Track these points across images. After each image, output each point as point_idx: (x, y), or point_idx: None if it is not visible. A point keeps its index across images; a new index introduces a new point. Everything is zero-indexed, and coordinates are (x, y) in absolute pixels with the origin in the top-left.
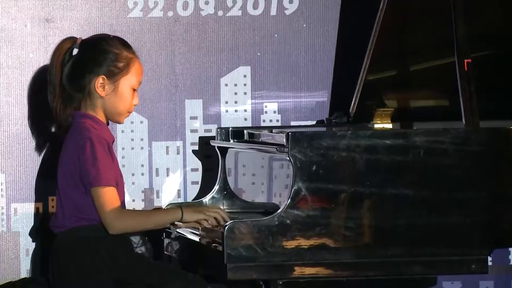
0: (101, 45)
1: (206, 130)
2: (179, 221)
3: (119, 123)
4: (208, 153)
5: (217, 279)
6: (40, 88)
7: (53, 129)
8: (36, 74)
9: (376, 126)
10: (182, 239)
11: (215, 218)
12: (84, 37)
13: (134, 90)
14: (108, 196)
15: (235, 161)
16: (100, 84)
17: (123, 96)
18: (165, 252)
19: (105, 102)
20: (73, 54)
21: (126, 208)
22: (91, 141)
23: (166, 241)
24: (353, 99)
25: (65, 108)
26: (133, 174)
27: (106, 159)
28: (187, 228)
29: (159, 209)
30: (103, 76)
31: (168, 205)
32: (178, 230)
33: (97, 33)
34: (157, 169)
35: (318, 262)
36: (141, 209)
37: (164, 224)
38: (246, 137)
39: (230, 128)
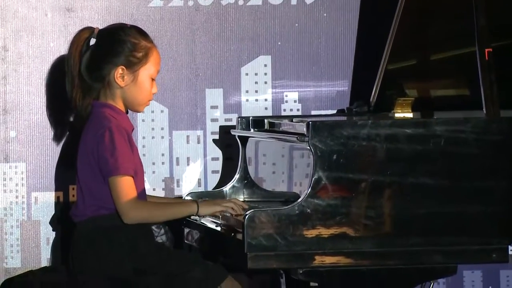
0: (119, 35)
1: (226, 120)
2: (194, 215)
3: (139, 112)
4: (228, 142)
5: (237, 268)
6: (60, 77)
7: (71, 119)
8: (56, 63)
9: (396, 115)
10: (202, 228)
11: (232, 209)
12: (104, 27)
13: (153, 79)
14: (124, 185)
15: (255, 150)
16: (119, 74)
17: (142, 85)
18: (185, 241)
19: (125, 92)
20: (91, 45)
21: (147, 196)
22: (110, 130)
23: (186, 230)
24: (374, 88)
25: (84, 98)
26: (153, 163)
27: (125, 148)
28: (207, 217)
29: (175, 202)
30: (122, 67)
31: (188, 194)
32: (197, 218)
33: (118, 22)
34: (177, 158)
35: (338, 251)
36: (162, 197)
37: (179, 217)
38: (266, 126)
39: (251, 117)
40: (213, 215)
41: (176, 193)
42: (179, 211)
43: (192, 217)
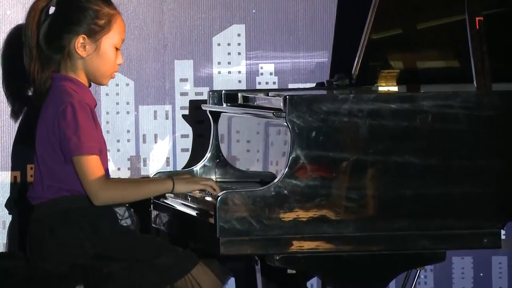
0: (79, 2)
1: (197, 93)
2: (170, 193)
3: (103, 84)
4: (199, 118)
5: (209, 254)
6: (18, 48)
7: (30, 93)
8: (13, 33)
9: (380, 89)
10: (171, 210)
11: (212, 188)
12: None
13: (117, 49)
14: (91, 165)
15: (228, 126)
16: (80, 44)
17: (105, 56)
18: (153, 225)
19: (87, 63)
20: (50, 13)
21: (110, 177)
22: (72, 106)
23: (154, 212)
24: (356, 60)
25: (43, 71)
26: (118, 141)
27: (89, 125)
28: (176, 199)
29: (147, 178)
30: (84, 35)
31: (156, 174)
32: (166, 200)
33: None
34: (144, 135)
35: (317, 235)
36: (127, 178)
37: (153, 195)
38: (240, 100)
39: (223, 91)
40: (188, 193)
41: (143, 172)
42: (154, 188)
43: (166, 195)
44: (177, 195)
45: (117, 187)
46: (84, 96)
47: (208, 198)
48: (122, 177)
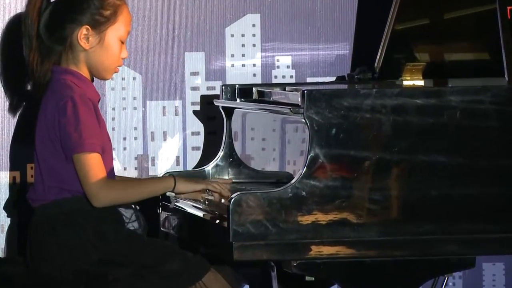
0: None
1: (208, 88)
2: (171, 191)
3: (106, 79)
4: (211, 115)
5: (222, 259)
6: (17, 38)
7: (29, 87)
8: (12, 22)
9: (405, 83)
10: (181, 213)
11: (216, 188)
12: None
13: (122, 42)
14: (92, 164)
15: (242, 123)
16: (83, 35)
17: (110, 49)
18: (162, 229)
19: (90, 55)
20: (51, 1)
21: (116, 176)
22: (73, 100)
23: (163, 215)
24: (379, 52)
25: (43, 63)
26: (124, 139)
27: (91, 121)
28: (187, 201)
29: (147, 178)
30: (87, 26)
31: (164, 174)
32: (177, 203)
33: None
34: (152, 133)
35: (338, 240)
36: (126, 177)
37: (155, 194)
38: (255, 95)
39: (237, 86)
40: (194, 198)
41: (151, 172)
42: (154, 187)
43: (167, 193)
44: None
45: (118, 188)
46: (86, 90)
47: (209, 197)
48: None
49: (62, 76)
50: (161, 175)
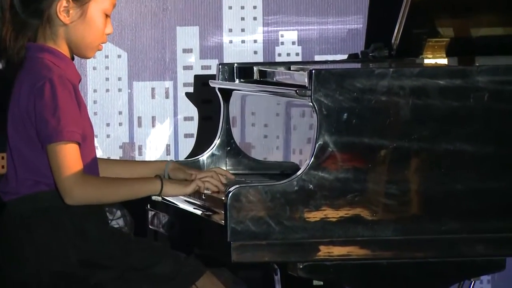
0: None
1: (203, 67)
2: (158, 195)
3: (87, 57)
4: (206, 97)
5: (218, 261)
6: None
7: (1, 66)
8: None
9: (426, 61)
10: (172, 209)
11: (211, 183)
12: None
13: (107, 15)
14: (67, 155)
15: (241, 107)
16: (63, 8)
17: (93, 23)
18: (150, 226)
19: (70, 31)
20: None
21: (100, 160)
22: (52, 82)
23: (151, 212)
24: (397, 26)
25: (17, 39)
26: (107, 125)
27: (71, 106)
28: (179, 196)
29: (133, 178)
30: None
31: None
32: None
33: None
34: (139, 118)
35: (350, 239)
36: (120, 160)
37: (136, 197)
38: (256, 76)
39: (235, 65)
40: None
41: None
42: (137, 189)
43: (153, 197)
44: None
45: (94, 185)
46: (66, 70)
47: (207, 192)
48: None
49: (38, 54)
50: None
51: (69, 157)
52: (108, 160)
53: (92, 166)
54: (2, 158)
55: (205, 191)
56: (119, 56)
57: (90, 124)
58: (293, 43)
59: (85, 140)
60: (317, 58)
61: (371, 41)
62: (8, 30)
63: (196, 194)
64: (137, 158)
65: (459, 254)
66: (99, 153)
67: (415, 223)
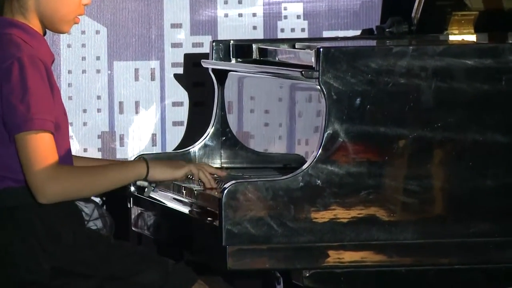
0: None
1: (195, 45)
2: (144, 179)
3: (62, 32)
4: (198, 80)
5: (212, 268)
6: None
7: None
8: None
9: (451, 38)
10: (158, 208)
11: (201, 177)
12: None
13: None
14: (40, 146)
15: (238, 91)
16: None
17: None
18: (133, 228)
19: (41, 2)
20: None
21: (74, 158)
22: (21, 62)
23: (135, 211)
24: None
25: None
26: (84, 111)
27: (42, 90)
28: (167, 192)
29: (111, 163)
30: None
31: (136, 157)
32: (154, 192)
33: None
34: (120, 103)
35: (363, 243)
36: (96, 158)
37: (120, 184)
38: (255, 54)
39: (232, 42)
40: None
41: (119, 155)
42: (119, 175)
43: (138, 182)
44: (164, 186)
45: (70, 178)
46: (38, 48)
47: (196, 186)
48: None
49: (5, 30)
50: (133, 159)
51: (42, 148)
52: (78, 158)
53: (66, 159)
54: None
55: (196, 187)
56: (97, 32)
57: (64, 111)
58: (298, 17)
59: (59, 130)
60: (326, 34)
61: (388, 15)
62: None
63: (187, 191)
64: (118, 149)
65: (489, 261)
66: (75, 145)
67: (439, 224)
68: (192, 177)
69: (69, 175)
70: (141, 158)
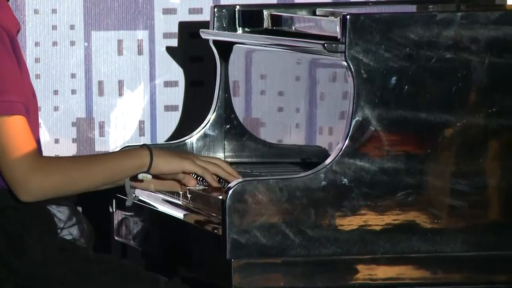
0: None
1: (192, 11)
2: (145, 172)
3: None
4: (196, 54)
5: (213, 286)
6: None
7: None
8: None
9: (510, 1)
10: (147, 212)
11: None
12: None
13: None
14: (14, 132)
15: (246, 68)
16: None
17: None
18: (116, 238)
19: None
20: None
21: (43, 153)
22: None
23: (118, 215)
24: None
25: None
26: (55, 92)
27: (9, 65)
28: (158, 193)
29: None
30: None
31: (122, 149)
32: (136, 198)
33: None
34: (100, 83)
35: (401, 256)
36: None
37: (119, 178)
38: (266, 23)
39: (237, 7)
40: (170, 188)
41: (99, 147)
42: (118, 166)
43: (140, 175)
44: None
45: (58, 168)
46: (1, 16)
47: (196, 187)
48: (64, 155)
49: None
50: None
51: (16, 134)
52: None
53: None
54: None
55: (195, 186)
56: None
57: (33, 92)
58: None
59: (28, 113)
60: None
61: None
62: None
63: (183, 191)
64: (98, 140)
65: None
66: (44, 135)
67: (495, 233)
68: (201, 178)
69: (57, 165)
70: (144, 146)
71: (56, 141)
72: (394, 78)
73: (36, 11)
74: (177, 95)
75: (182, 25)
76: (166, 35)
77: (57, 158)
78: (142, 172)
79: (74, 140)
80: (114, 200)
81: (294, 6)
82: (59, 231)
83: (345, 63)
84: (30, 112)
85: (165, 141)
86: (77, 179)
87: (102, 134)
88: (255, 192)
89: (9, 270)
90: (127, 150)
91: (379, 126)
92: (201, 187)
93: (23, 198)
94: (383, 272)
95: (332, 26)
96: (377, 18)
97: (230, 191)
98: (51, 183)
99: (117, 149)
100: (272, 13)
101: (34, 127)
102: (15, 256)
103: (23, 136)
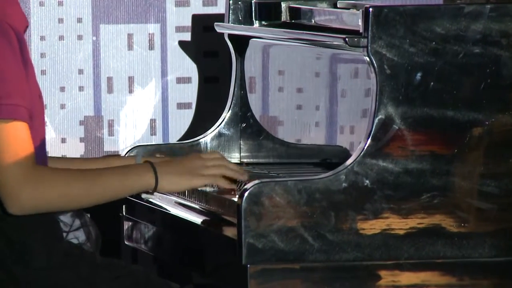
0: None
1: (206, 3)
2: (152, 191)
3: None
4: (210, 49)
5: None
6: None
7: None
8: None
9: None
10: (159, 215)
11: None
12: None
13: None
14: (11, 138)
15: (263, 63)
16: None
17: None
18: (127, 242)
19: None
20: None
21: (50, 159)
22: None
23: (129, 220)
24: None
25: None
26: (62, 89)
27: (13, 66)
28: (170, 195)
29: (111, 167)
30: None
31: (130, 150)
32: (153, 197)
33: None
34: (109, 80)
35: (426, 262)
36: (79, 158)
37: (122, 197)
38: (285, 16)
39: (254, 0)
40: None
41: (107, 147)
42: (122, 186)
43: (144, 195)
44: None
45: (53, 181)
46: (9, 12)
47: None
48: (71, 155)
49: None
50: (124, 152)
51: (13, 142)
52: (54, 159)
53: (39, 154)
54: None
55: (208, 188)
56: None
57: (40, 93)
58: None
59: (32, 118)
60: None
61: None
62: None
63: (196, 194)
64: (107, 139)
65: None
66: (50, 134)
67: None
68: (214, 186)
69: (55, 178)
70: (147, 163)
71: (63, 140)
72: (419, 74)
73: (41, 4)
74: (190, 92)
75: (196, 18)
76: (179, 29)
77: (56, 171)
78: (147, 194)
79: (81, 140)
80: (124, 204)
81: None
82: (65, 235)
83: (368, 58)
84: (35, 115)
85: (178, 141)
86: (74, 196)
87: (111, 133)
88: (272, 194)
89: (12, 278)
90: (129, 167)
91: (403, 124)
92: (216, 189)
93: (11, 210)
94: (407, 278)
95: (354, 19)
96: (401, 10)
97: (246, 193)
98: (44, 196)
99: (128, 149)
100: (291, 5)
101: (40, 128)
102: (18, 263)
103: (21, 143)
